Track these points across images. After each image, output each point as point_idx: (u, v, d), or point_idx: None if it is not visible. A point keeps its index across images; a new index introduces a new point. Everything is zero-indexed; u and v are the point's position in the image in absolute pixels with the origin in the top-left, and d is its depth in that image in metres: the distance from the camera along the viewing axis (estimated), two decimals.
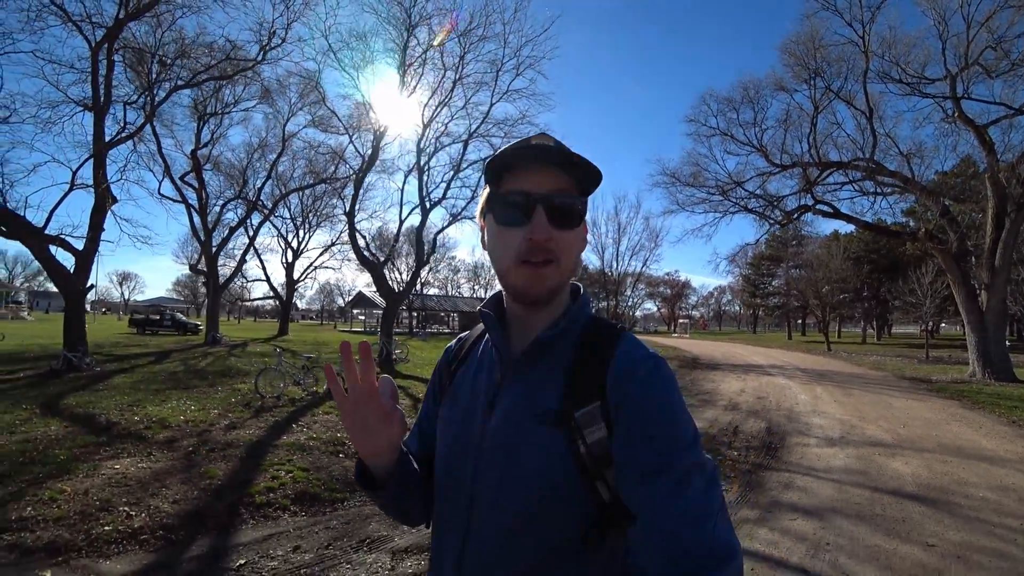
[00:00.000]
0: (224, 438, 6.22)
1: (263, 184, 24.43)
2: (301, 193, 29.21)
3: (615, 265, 40.48)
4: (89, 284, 13.78)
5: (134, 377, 11.13)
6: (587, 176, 0.80)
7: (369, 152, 17.92)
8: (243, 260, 26.67)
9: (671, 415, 0.72)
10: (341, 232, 33.47)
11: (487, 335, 0.93)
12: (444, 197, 18.72)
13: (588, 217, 0.90)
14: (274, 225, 30.90)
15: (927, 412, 9.16)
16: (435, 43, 16.48)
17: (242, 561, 3.37)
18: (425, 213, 18.27)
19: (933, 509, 4.40)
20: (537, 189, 0.78)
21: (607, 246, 41.23)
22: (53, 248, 12.82)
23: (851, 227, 26.64)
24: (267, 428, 6.82)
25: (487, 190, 0.86)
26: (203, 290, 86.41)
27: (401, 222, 20.57)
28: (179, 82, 14.84)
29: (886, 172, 15.74)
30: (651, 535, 0.67)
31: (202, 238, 23.15)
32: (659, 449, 0.70)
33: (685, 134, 22.59)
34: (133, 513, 4.03)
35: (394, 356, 17.50)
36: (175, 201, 22.84)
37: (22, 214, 12.38)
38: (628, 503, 0.70)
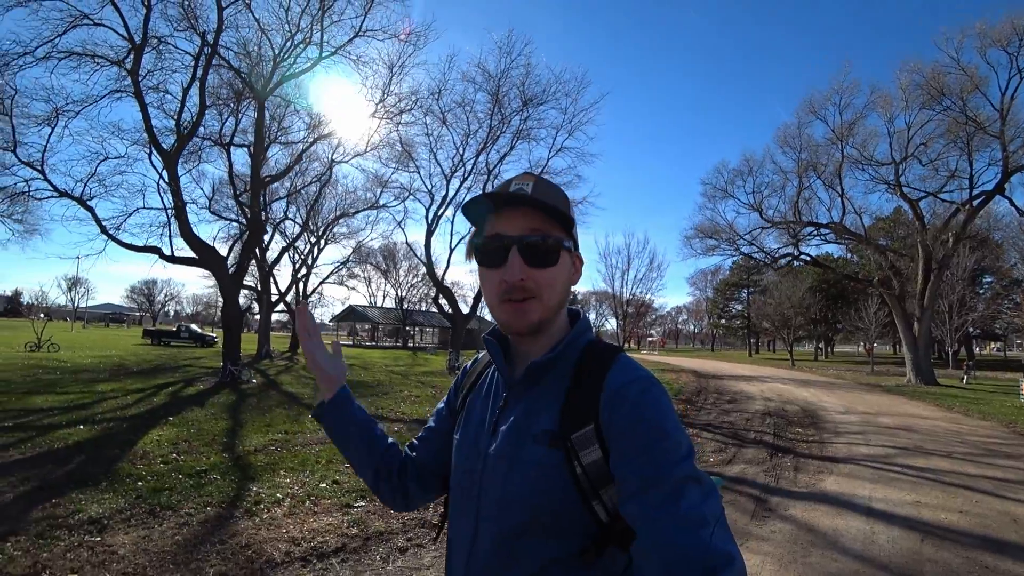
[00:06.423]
0: None
1: (312, 205, 28.26)
2: (317, 210, 33.05)
3: (623, 291, 46.31)
4: (245, 306, 17.59)
5: (298, 387, 14.39)
6: (559, 215, 0.89)
7: (443, 193, 22.78)
8: (306, 280, 30.55)
9: (662, 431, 0.79)
10: (355, 249, 37.50)
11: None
12: None
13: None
14: (292, 243, 34.48)
15: (886, 401, 15.54)
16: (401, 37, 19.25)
17: None
18: None
19: (905, 430, 10.21)
20: (512, 231, 0.89)
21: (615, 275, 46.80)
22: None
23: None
24: None
25: (472, 232, 0.98)
26: (160, 298, 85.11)
27: (452, 249, 25.36)
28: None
29: (849, 233, 22.91)
30: (648, 546, 0.73)
31: (258, 256, 26.72)
32: (651, 463, 0.76)
33: (700, 193, 29.90)
34: None
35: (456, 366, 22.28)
36: (229, 220, 26.37)
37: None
38: (628, 519, 0.77)
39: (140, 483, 5.41)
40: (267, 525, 4.44)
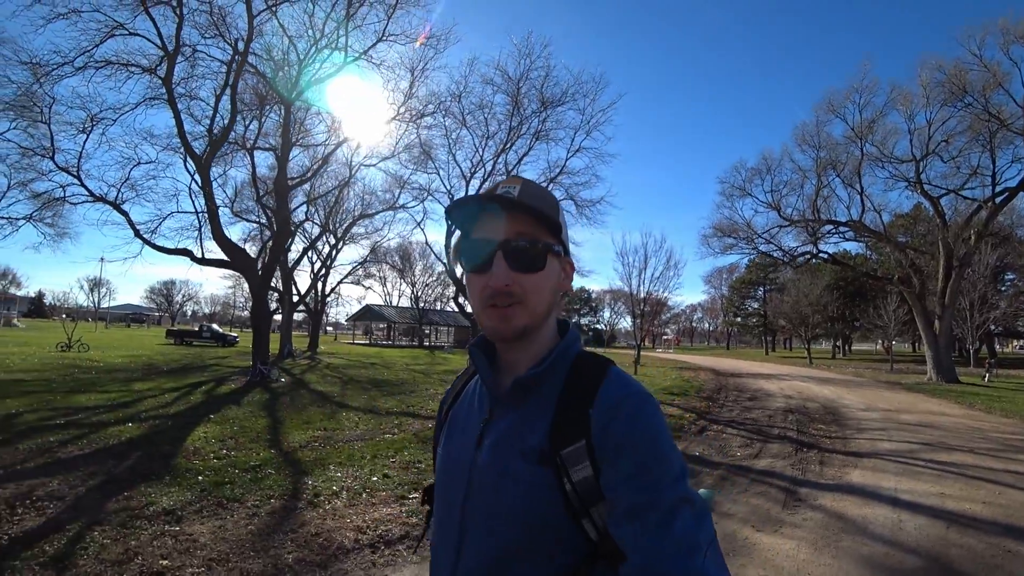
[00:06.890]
0: None
1: (332, 207, 28.79)
2: (337, 210, 33.57)
3: (640, 290, 46.14)
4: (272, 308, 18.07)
5: (326, 385, 14.90)
6: (547, 219, 0.88)
7: (463, 194, 23.10)
8: (325, 279, 31.20)
9: (656, 451, 0.77)
10: (373, 248, 38.04)
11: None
12: None
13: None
14: (312, 243, 35.05)
15: (907, 398, 15.68)
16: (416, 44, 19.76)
17: (699, 450, 8.73)
18: None
19: (927, 427, 10.40)
20: (497, 235, 0.87)
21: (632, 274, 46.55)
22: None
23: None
24: None
25: (457, 235, 0.96)
26: (178, 299, 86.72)
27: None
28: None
29: (868, 231, 22.96)
30: (639, 572, 0.71)
31: (280, 258, 27.26)
32: (645, 485, 0.74)
33: (717, 192, 30.13)
34: None
35: None
36: (252, 222, 26.95)
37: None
38: (618, 541, 0.74)
39: (200, 477, 5.79)
40: (331, 515, 4.80)
